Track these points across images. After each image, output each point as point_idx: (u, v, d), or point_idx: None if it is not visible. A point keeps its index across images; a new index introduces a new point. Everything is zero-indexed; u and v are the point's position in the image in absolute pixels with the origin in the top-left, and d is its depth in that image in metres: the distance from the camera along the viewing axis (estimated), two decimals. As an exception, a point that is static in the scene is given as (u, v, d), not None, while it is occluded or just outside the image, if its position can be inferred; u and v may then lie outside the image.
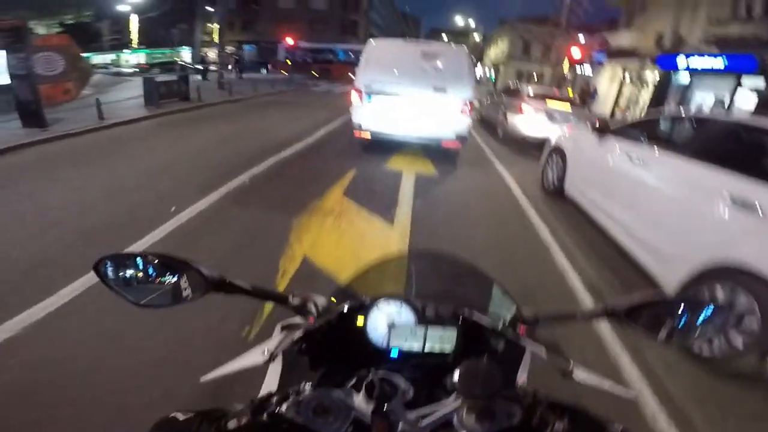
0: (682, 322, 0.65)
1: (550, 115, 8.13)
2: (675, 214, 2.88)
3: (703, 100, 15.30)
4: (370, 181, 5.01)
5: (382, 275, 0.91)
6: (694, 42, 15.57)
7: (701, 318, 0.65)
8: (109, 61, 39.58)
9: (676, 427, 1.86)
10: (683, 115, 4.29)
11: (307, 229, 3.51)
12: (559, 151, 5.11)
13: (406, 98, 5.86)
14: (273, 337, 0.74)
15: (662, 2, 17.81)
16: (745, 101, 13.21)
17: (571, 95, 18.44)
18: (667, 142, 4.04)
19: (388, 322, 0.66)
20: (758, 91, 12.51)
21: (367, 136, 6.13)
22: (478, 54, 60.23)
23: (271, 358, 0.65)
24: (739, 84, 13.70)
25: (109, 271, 0.63)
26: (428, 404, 0.56)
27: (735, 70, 13.63)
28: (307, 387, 0.55)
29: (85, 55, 43.50)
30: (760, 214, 2.24)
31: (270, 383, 0.73)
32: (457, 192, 4.98)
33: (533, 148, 7.94)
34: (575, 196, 4.56)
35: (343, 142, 7.13)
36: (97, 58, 39.50)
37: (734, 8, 14.22)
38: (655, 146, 3.58)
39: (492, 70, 49.59)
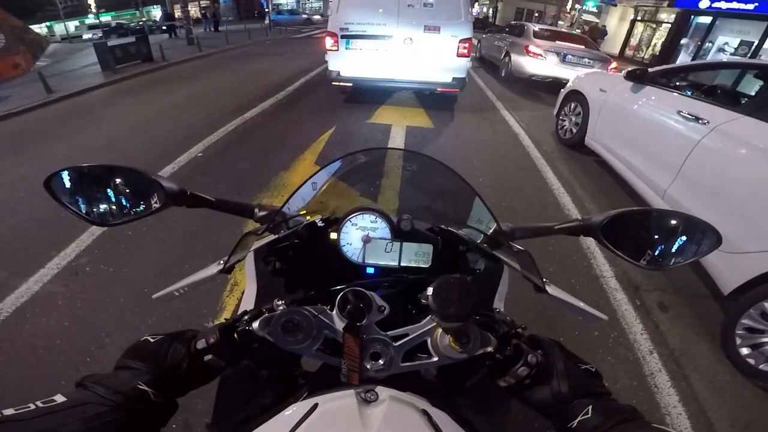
0: (659, 247, 0.60)
1: (562, 56, 7.16)
2: (751, 195, 2.13)
3: (726, 42, 14.37)
4: (351, 142, 4.09)
5: (361, 174, 0.80)
6: None
7: (678, 237, 0.60)
8: (74, 29, 36.94)
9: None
10: (754, 63, 3.35)
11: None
12: (578, 96, 4.24)
13: (393, 40, 4.90)
14: (246, 264, 0.69)
15: None
16: None
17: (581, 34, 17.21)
18: (730, 99, 3.14)
19: (362, 236, 0.63)
20: None
21: (347, 84, 5.22)
22: None
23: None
24: None
25: (63, 187, 0.56)
26: (403, 324, 0.52)
27: (765, 13, 12.38)
28: (279, 305, 0.51)
29: (47, 24, 40.35)
30: None
31: (245, 305, 0.66)
32: (457, 150, 4.06)
33: (542, 89, 7.12)
34: (599, 150, 3.76)
35: (321, 96, 6.06)
36: (59, 27, 36.97)
37: None
38: (715, 104, 2.69)
39: (489, 9, 46.91)
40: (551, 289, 0.64)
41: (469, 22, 5.00)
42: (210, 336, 0.50)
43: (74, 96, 7.11)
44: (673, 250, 0.60)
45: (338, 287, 0.56)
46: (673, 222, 0.61)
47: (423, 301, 0.50)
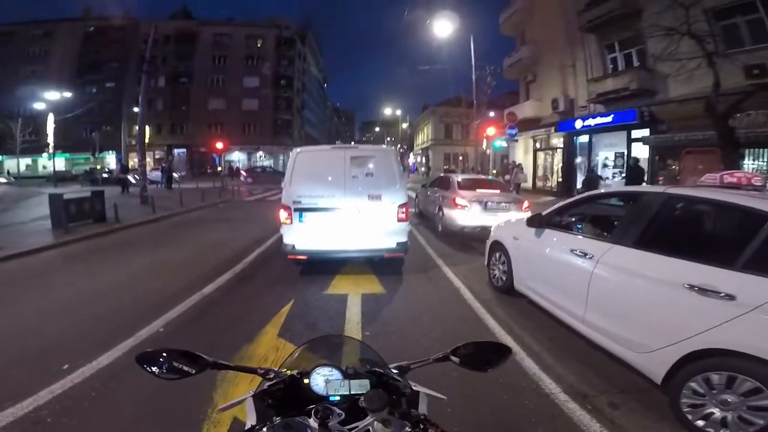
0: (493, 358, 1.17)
1: (484, 204, 8.20)
2: (639, 306, 2.79)
3: (606, 156, 16.72)
4: (311, 314, 4.39)
5: (321, 346, 1.33)
6: (582, 102, 17.29)
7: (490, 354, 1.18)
8: (25, 167, 36.36)
9: None
10: (612, 192, 4.31)
11: (235, 386, 2.84)
12: (499, 246, 5.00)
13: (342, 211, 5.40)
14: (246, 403, 1.11)
15: (548, 71, 20.01)
16: (641, 152, 14.38)
17: (495, 174, 19.51)
18: (603, 229, 3.99)
19: (324, 379, 1.05)
20: (649, 142, 13.66)
21: (303, 257, 5.54)
22: (408, 141, 63.12)
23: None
24: (630, 136, 15.01)
25: (147, 360, 1.05)
26: (355, 421, 0.95)
27: (622, 123, 14.99)
28: (277, 419, 0.95)
29: None
30: (725, 297, 2.23)
31: (250, 421, 1.05)
32: (408, 311, 4.50)
33: (474, 240, 7.90)
34: (527, 293, 4.37)
35: (276, 267, 6.23)
36: (10, 163, 36.35)
37: (604, 65, 16.25)
38: (594, 238, 3.49)
39: (422, 157, 51.25)
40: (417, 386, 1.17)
41: (404, 187, 5.56)
42: None
43: (23, 256, 7.07)
44: (489, 362, 1.15)
45: (312, 407, 0.96)
46: (488, 345, 1.19)
47: (363, 405, 0.92)
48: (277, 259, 6.62)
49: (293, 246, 5.43)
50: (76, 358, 3.26)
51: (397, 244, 5.52)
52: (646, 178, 13.42)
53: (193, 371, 1.06)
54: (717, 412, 2.24)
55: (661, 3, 10.08)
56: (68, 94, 31.71)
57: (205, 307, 4.63)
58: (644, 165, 14.28)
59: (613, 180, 16.10)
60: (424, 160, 49.71)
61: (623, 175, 15.38)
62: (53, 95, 29.65)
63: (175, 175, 29.74)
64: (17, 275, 6.03)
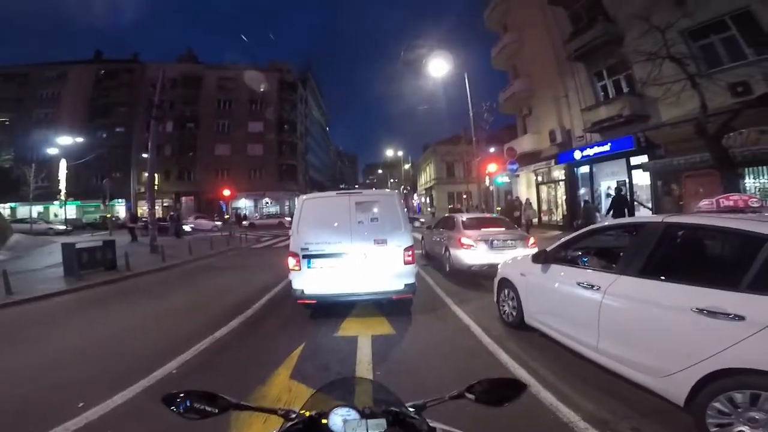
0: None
1: (490, 243, 8.23)
2: (651, 333, 2.82)
3: (609, 186, 16.26)
4: (322, 356, 4.37)
5: (338, 387, 1.32)
6: (579, 132, 17.19)
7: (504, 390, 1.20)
8: (37, 215, 36.49)
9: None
10: (613, 225, 4.44)
11: (249, 427, 2.81)
12: (507, 283, 5.04)
13: (349, 257, 5.47)
14: None
15: (542, 103, 20.06)
16: (642, 179, 14.22)
17: (499, 211, 18.96)
18: (608, 261, 4.01)
19: (342, 419, 1.02)
20: (648, 168, 13.37)
21: (312, 301, 5.59)
22: (411, 182, 62.50)
23: None
24: (629, 164, 14.79)
25: (171, 400, 1.09)
26: None
27: (620, 150, 14.81)
28: None
29: (11, 205, 37.50)
30: (734, 318, 2.27)
31: None
32: (419, 350, 4.48)
33: (482, 277, 7.88)
34: (538, 327, 4.36)
35: (287, 311, 6.24)
36: (23, 210, 35.92)
37: (595, 94, 16.26)
38: (599, 270, 3.56)
39: (426, 197, 50.62)
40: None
41: (408, 231, 5.64)
42: None
43: (36, 300, 7.26)
44: (504, 398, 1.18)
45: None
46: (503, 382, 1.21)
47: None
48: (286, 303, 6.63)
49: (302, 291, 5.48)
50: (90, 397, 3.33)
51: (405, 285, 5.55)
52: (650, 205, 13.22)
53: (216, 411, 1.10)
54: (747, 430, 2.23)
55: (640, 28, 10.35)
56: (80, 139, 31.82)
57: (217, 349, 4.67)
58: (646, 192, 14.20)
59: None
60: (428, 200, 48.79)
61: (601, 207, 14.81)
62: (66, 140, 29.81)
63: (217, 223, 29.30)
64: (30, 319, 6.16)
